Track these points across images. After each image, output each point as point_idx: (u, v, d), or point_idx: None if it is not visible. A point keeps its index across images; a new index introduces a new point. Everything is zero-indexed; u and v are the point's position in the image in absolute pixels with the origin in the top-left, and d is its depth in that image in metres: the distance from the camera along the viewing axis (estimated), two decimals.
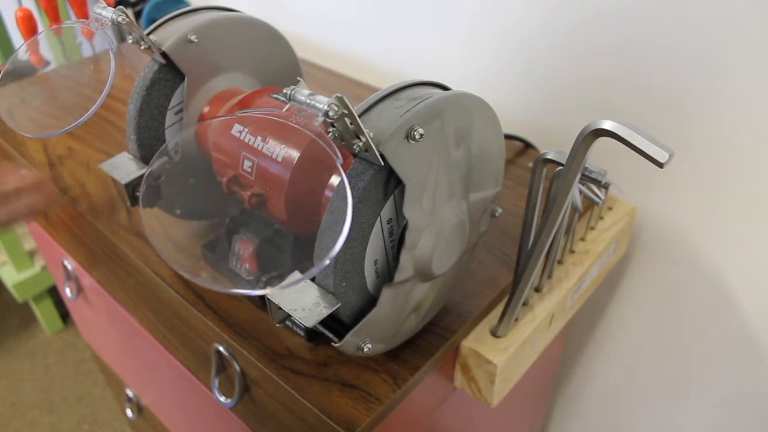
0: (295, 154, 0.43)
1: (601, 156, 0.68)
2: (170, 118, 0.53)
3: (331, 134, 0.35)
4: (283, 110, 0.45)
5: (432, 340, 0.49)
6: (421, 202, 0.39)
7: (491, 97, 0.45)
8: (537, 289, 0.57)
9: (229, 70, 0.54)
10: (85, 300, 0.93)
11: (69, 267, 0.88)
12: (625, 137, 0.34)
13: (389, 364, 0.47)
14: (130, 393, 1.03)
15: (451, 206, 0.42)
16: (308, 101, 0.35)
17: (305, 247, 0.48)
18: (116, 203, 0.65)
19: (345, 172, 0.37)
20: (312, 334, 0.49)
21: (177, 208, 0.54)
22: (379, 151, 0.35)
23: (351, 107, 0.33)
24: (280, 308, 0.38)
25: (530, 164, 0.71)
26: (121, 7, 0.48)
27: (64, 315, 1.62)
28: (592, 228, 0.65)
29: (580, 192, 0.51)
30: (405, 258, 0.40)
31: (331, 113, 0.33)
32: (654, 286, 0.75)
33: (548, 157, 0.43)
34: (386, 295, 0.41)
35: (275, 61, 0.57)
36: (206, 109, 0.53)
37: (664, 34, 0.60)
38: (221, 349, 0.53)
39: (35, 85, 0.74)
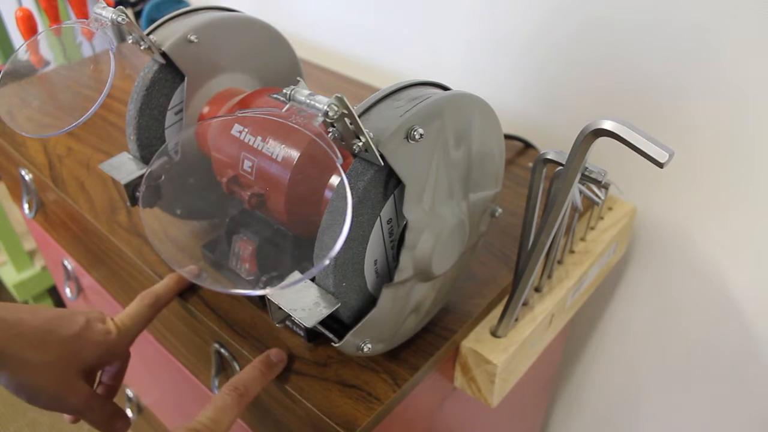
0: (295, 154, 0.43)
1: (601, 156, 0.68)
2: (170, 118, 0.53)
3: (331, 134, 0.35)
4: (283, 110, 0.44)
5: (432, 340, 0.49)
6: (420, 202, 0.39)
7: (491, 97, 0.45)
8: (537, 289, 0.57)
9: (229, 70, 0.54)
10: (85, 300, 0.93)
11: (69, 267, 0.88)
12: (624, 137, 0.34)
13: (389, 364, 0.47)
14: (130, 393, 1.03)
15: (451, 206, 0.42)
16: (308, 101, 0.35)
17: (305, 247, 0.48)
18: (116, 203, 0.65)
19: (345, 172, 0.37)
20: (312, 334, 0.49)
21: (177, 208, 0.54)
22: (378, 151, 0.35)
23: (351, 107, 0.33)
24: (280, 308, 0.38)
25: (530, 164, 0.71)
26: (121, 7, 0.48)
27: None
28: (592, 228, 0.65)
29: (580, 192, 0.51)
30: (405, 258, 0.40)
31: (330, 113, 0.33)
32: (654, 285, 0.75)
33: (548, 157, 0.43)
34: (386, 295, 0.41)
35: (275, 61, 0.57)
36: (206, 109, 0.53)
37: (665, 35, 0.60)
38: (221, 349, 0.53)
39: (35, 85, 0.74)
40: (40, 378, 0.44)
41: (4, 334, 0.43)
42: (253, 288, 0.35)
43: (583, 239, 0.64)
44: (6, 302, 0.46)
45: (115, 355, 0.49)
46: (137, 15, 1.10)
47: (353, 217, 0.36)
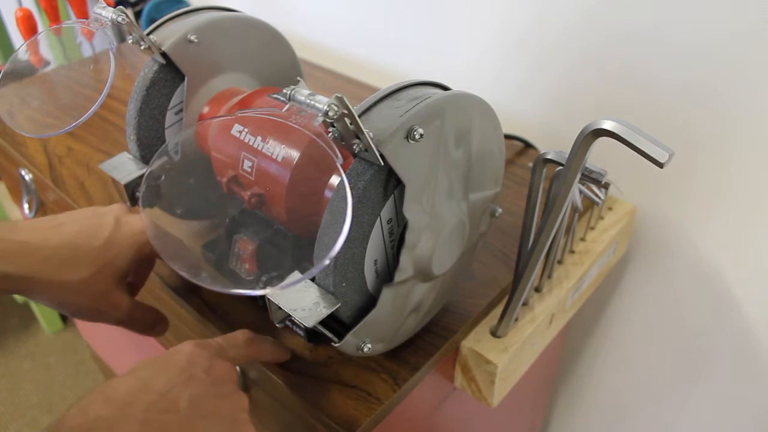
0: (295, 154, 0.43)
1: (601, 156, 0.68)
2: (170, 118, 0.53)
3: (331, 134, 0.35)
4: (283, 110, 0.45)
5: (432, 340, 0.49)
6: (421, 202, 0.39)
7: (491, 97, 0.45)
8: (537, 289, 0.57)
9: (229, 70, 0.54)
10: None
11: None
12: (625, 137, 0.34)
13: (389, 364, 0.47)
14: None
15: (451, 206, 0.42)
16: (308, 101, 0.35)
17: (305, 247, 0.48)
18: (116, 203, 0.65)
19: (345, 172, 0.37)
20: (312, 334, 0.49)
21: (177, 208, 0.54)
22: (378, 151, 0.35)
23: (351, 107, 0.33)
24: (280, 308, 0.38)
25: (530, 164, 0.71)
26: (121, 7, 0.48)
27: (64, 315, 1.62)
28: (592, 228, 0.65)
29: (580, 192, 0.51)
30: (405, 258, 0.40)
31: (330, 113, 0.33)
32: (654, 286, 0.75)
33: (548, 157, 0.43)
34: (386, 295, 0.41)
35: (275, 61, 0.57)
36: (206, 109, 0.53)
37: (665, 35, 0.60)
38: None
39: (35, 85, 0.74)
40: (79, 296, 0.42)
41: (30, 259, 0.40)
42: (253, 288, 0.35)
43: (583, 239, 0.64)
44: (22, 221, 0.42)
45: (147, 255, 0.47)
46: (137, 15, 1.10)
47: (353, 217, 0.36)
